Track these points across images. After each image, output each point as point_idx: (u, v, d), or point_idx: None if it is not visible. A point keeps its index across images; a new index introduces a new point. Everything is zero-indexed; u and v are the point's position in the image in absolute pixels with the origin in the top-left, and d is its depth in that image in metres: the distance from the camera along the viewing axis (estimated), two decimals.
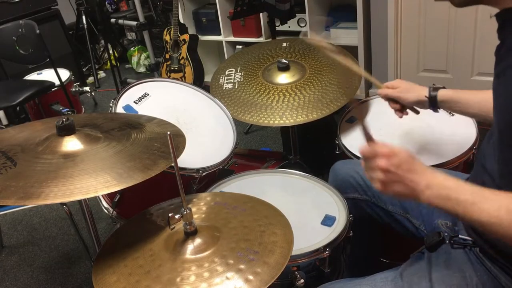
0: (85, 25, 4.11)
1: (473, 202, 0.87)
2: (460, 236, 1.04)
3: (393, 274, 1.09)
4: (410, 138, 1.62)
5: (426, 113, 1.71)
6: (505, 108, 0.90)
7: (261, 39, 3.49)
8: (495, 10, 0.93)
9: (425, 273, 1.05)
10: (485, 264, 0.99)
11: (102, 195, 1.64)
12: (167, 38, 3.47)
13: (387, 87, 1.44)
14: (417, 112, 1.44)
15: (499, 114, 0.93)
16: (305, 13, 3.20)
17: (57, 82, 2.97)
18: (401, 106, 1.43)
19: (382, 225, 1.38)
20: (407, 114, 1.44)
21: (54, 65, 2.91)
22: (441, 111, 1.70)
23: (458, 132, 1.58)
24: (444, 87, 1.35)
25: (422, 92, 1.36)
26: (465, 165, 1.52)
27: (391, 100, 1.44)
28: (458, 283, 1.01)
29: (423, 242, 1.08)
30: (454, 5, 0.99)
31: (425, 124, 1.64)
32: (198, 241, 1.02)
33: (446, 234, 1.06)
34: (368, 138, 1.02)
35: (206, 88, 1.90)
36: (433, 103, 1.35)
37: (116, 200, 1.57)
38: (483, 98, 1.25)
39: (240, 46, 3.64)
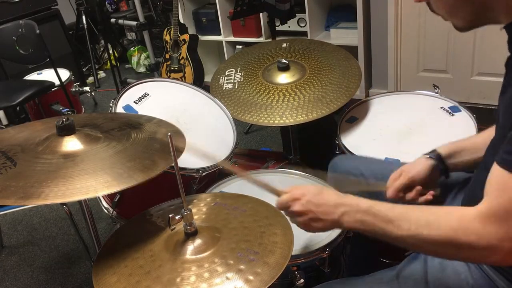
0: (85, 25, 4.11)
1: (390, 220, 0.89)
2: None
3: (389, 276, 1.09)
4: (409, 138, 1.62)
5: (426, 113, 1.72)
6: (503, 117, 0.90)
7: (261, 39, 3.49)
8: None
9: (421, 275, 1.05)
10: (481, 267, 0.99)
11: (102, 195, 1.64)
12: (167, 38, 3.47)
13: (393, 180, 1.24)
14: (439, 191, 1.22)
15: (506, 120, 0.91)
16: (305, 13, 3.20)
17: (57, 82, 2.97)
18: (415, 193, 1.21)
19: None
20: (432, 193, 1.20)
21: (54, 65, 2.91)
22: (441, 110, 1.71)
23: (458, 132, 1.58)
24: (439, 147, 1.22)
25: (424, 161, 1.21)
26: None
27: (407, 191, 1.23)
28: (454, 285, 1.01)
29: None
30: (457, 29, 0.96)
31: (424, 124, 1.64)
32: (198, 241, 1.02)
33: None
34: (273, 192, 1.07)
35: (206, 88, 1.90)
36: (441, 162, 1.20)
37: (116, 200, 1.57)
38: (485, 139, 1.11)
39: (240, 46, 3.64)
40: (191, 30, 3.74)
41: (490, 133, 1.17)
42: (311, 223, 1.00)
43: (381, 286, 1.07)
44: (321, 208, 0.98)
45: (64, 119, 1.19)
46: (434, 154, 1.22)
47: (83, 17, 4.12)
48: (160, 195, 1.34)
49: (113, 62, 3.63)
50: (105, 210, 1.66)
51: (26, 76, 3.34)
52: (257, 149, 2.87)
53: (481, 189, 1.03)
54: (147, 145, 1.22)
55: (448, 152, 1.21)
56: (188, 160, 1.48)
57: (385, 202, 0.92)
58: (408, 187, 1.21)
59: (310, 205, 1.00)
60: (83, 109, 3.62)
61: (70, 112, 1.91)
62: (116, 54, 3.94)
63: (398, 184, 1.22)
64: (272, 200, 1.21)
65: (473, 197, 1.06)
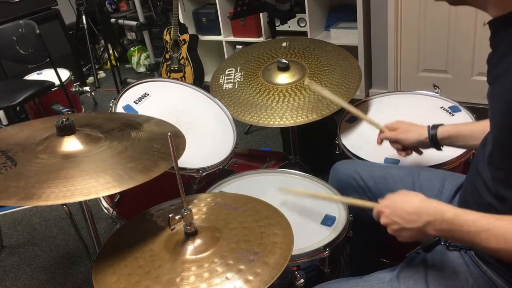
0: (85, 25, 4.11)
1: (477, 231, 0.89)
2: None
3: (389, 276, 1.09)
4: None
5: (426, 113, 1.72)
6: (496, 115, 0.91)
7: (261, 39, 3.49)
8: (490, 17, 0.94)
9: (421, 275, 1.05)
10: (481, 267, 1.00)
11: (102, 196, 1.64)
12: (167, 38, 3.47)
13: (387, 129, 1.40)
14: (420, 153, 1.40)
15: (491, 119, 0.94)
16: (305, 13, 3.20)
17: (57, 82, 2.97)
18: (403, 146, 1.39)
19: (382, 226, 1.38)
20: (411, 153, 1.39)
21: (54, 65, 2.91)
22: (441, 110, 1.71)
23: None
24: (442, 124, 1.31)
25: (422, 132, 1.32)
26: (465, 165, 1.52)
27: (392, 141, 1.40)
28: (453, 285, 1.01)
29: (419, 242, 1.09)
30: (448, 2, 0.99)
31: (425, 124, 1.63)
32: (198, 241, 1.02)
33: None
34: (366, 205, 1.13)
35: (206, 88, 1.90)
36: (434, 142, 1.31)
37: (116, 200, 1.57)
38: (483, 129, 1.19)
39: (240, 46, 3.64)
40: (191, 30, 3.74)
41: (483, 125, 1.22)
42: (398, 233, 1.01)
43: (381, 286, 1.07)
44: (404, 218, 0.99)
45: (64, 119, 1.19)
46: (432, 134, 1.30)
47: (83, 17, 4.12)
48: (160, 195, 1.34)
49: (113, 62, 3.63)
50: (105, 210, 1.66)
51: (26, 76, 3.34)
52: (257, 149, 2.86)
53: (471, 193, 1.04)
54: (147, 146, 1.22)
55: (446, 135, 1.29)
56: (188, 160, 1.48)
57: (472, 212, 0.92)
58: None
59: (393, 216, 1.01)
60: (83, 109, 3.62)
61: (70, 112, 1.91)
62: (116, 54, 3.94)
63: (384, 137, 1.40)
64: (272, 200, 1.21)
65: (464, 202, 1.07)
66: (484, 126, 1.19)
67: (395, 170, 1.39)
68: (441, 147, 1.33)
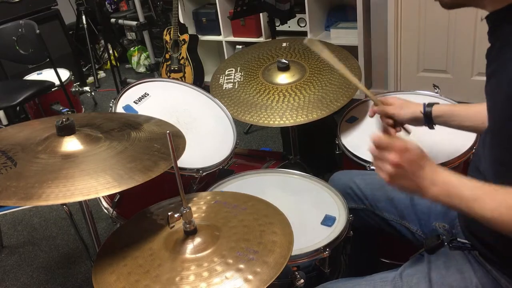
0: (85, 25, 4.11)
1: (475, 198, 0.88)
2: (458, 239, 1.04)
3: (392, 275, 1.09)
4: (409, 138, 1.62)
5: None
6: (495, 109, 0.91)
7: (261, 39, 3.49)
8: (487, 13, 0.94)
9: (425, 274, 1.05)
10: (485, 266, 1.00)
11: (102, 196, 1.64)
12: (167, 38, 3.47)
13: (382, 103, 1.41)
14: (409, 133, 1.42)
15: (490, 114, 0.94)
16: (305, 13, 3.20)
17: (57, 82, 2.97)
18: (394, 123, 1.40)
19: (381, 232, 1.38)
20: (399, 131, 1.41)
21: (54, 65, 2.91)
22: None
23: (458, 132, 1.58)
24: (438, 103, 1.33)
25: (417, 108, 1.34)
26: (465, 165, 1.52)
27: (384, 116, 1.41)
28: (457, 284, 1.01)
29: (422, 245, 1.09)
30: (442, 6, 0.99)
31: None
32: (197, 240, 1.02)
33: (444, 237, 1.06)
34: (385, 130, 1.04)
35: (206, 88, 1.90)
36: (428, 119, 1.33)
37: (116, 200, 1.57)
38: (478, 111, 1.23)
39: (240, 46, 3.64)
40: (191, 30, 3.74)
41: (479, 108, 1.22)
42: (399, 178, 0.96)
43: (384, 285, 1.07)
44: (418, 171, 0.94)
45: (64, 119, 1.19)
46: (428, 111, 1.31)
47: (83, 17, 4.12)
48: (160, 195, 1.34)
49: (113, 62, 3.63)
50: (105, 210, 1.66)
51: (26, 76, 3.34)
52: (257, 149, 2.87)
53: None
54: (147, 146, 1.22)
55: (440, 113, 1.31)
56: (188, 160, 1.48)
57: (474, 180, 0.91)
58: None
59: (411, 164, 0.95)
60: (83, 109, 3.63)
61: (70, 112, 1.91)
62: (116, 54, 3.94)
63: (378, 110, 1.41)
64: (272, 200, 1.21)
65: None
66: (479, 109, 1.22)
67: None
68: (433, 125, 1.34)
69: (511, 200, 0.85)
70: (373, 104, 1.44)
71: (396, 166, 0.95)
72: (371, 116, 1.46)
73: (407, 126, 1.42)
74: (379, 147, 0.99)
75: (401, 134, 1.41)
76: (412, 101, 1.38)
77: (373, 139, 1.00)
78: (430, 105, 1.32)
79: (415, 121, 1.36)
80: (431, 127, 1.35)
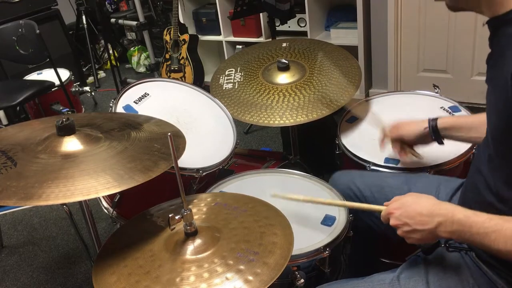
0: (85, 25, 4.11)
1: (486, 233, 0.89)
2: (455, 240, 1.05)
3: (390, 276, 1.09)
4: None
5: (426, 113, 1.71)
6: (492, 114, 0.92)
7: (261, 39, 3.49)
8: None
9: (422, 276, 1.05)
10: (481, 268, 1.00)
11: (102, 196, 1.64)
12: (167, 38, 3.47)
13: (388, 131, 1.42)
14: (418, 156, 1.42)
15: (488, 119, 0.94)
16: (305, 13, 3.20)
17: (57, 82, 2.97)
18: (401, 146, 1.41)
19: (380, 233, 1.38)
20: (405, 156, 1.42)
21: (54, 65, 2.91)
22: (441, 110, 1.71)
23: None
24: (441, 117, 1.33)
25: (422, 125, 1.34)
26: (465, 165, 1.52)
27: (393, 141, 1.42)
28: (454, 286, 1.01)
29: (420, 245, 1.09)
30: (448, 8, 1.00)
31: None
32: (198, 241, 1.02)
33: None
34: (373, 209, 1.13)
35: (206, 88, 1.90)
36: (435, 133, 1.32)
37: (116, 200, 1.57)
38: (483, 121, 1.23)
39: (240, 46, 3.64)
40: (191, 30, 3.74)
41: (484, 118, 1.21)
42: (408, 235, 1.00)
43: (382, 287, 1.07)
44: (415, 220, 0.98)
45: (64, 119, 1.19)
46: (433, 124, 1.32)
47: (83, 17, 4.12)
48: (160, 195, 1.34)
49: (113, 62, 3.63)
50: (105, 210, 1.66)
51: (26, 76, 3.34)
52: (257, 149, 2.86)
53: (472, 192, 1.04)
54: (147, 146, 1.22)
55: (447, 126, 1.31)
56: (188, 160, 1.48)
57: (482, 213, 0.92)
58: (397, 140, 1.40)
59: (403, 218, 1.00)
60: (83, 109, 3.62)
61: (70, 112, 1.91)
62: (116, 54, 3.94)
63: (386, 137, 1.42)
64: (272, 200, 1.21)
65: (465, 201, 1.07)
66: (483, 119, 1.21)
67: (391, 179, 1.40)
68: (442, 140, 1.34)
69: None
70: (382, 135, 1.46)
71: (397, 227, 1.02)
72: (382, 147, 1.47)
73: (417, 150, 1.42)
74: (385, 221, 1.06)
75: (413, 158, 1.41)
76: (416, 120, 1.38)
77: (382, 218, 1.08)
78: (435, 119, 1.33)
79: (422, 138, 1.36)
80: (440, 142, 1.34)
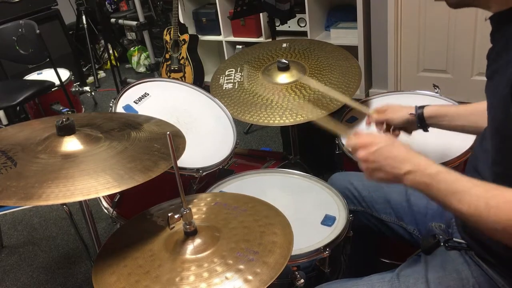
0: (85, 25, 4.11)
1: (453, 192, 0.88)
2: (454, 239, 1.04)
3: (390, 275, 1.09)
4: (409, 138, 1.62)
5: None
6: (493, 109, 0.92)
7: (261, 39, 3.49)
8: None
9: (422, 274, 1.05)
10: (482, 266, 1.00)
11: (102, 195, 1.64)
12: (167, 38, 3.47)
13: (376, 112, 1.43)
14: (410, 132, 1.42)
15: (489, 114, 0.94)
16: (305, 13, 3.20)
17: (57, 82, 2.97)
18: (387, 128, 1.41)
19: (379, 234, 1.39)
20: (399, 133, 1.42)
21: (54, 65, 2.91)
22: None
23: (458, 132, 1.58)
24: (429, 105, 1.34)
25: (409, 111, 1.36)
26: (465, 165, 1.52)
27: (378, 123, 1.43)
28: (454, 284, 1.01)
29: (420, 245, 1.09)
30: (448, 5, 1.00)
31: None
32: (198, 241, 1.02)
33: (441, 237, 1.06)
34: (341, 132, 1.08)
35: (206, 88, 1.90)
36: (421, 120, 1.34)
37: (116, 200, 1.57)
38: (470, 111, 1.24)
39: (240, 46, 3.64)
40: (191, 30, 3.74)
41: (475, 106, 1.24)
42: (373, 171, 0.99)
43: (382, 285, 1.07)
44: (388, 161, 0.97)
45: (64, 119, 1.19)
46: (419, 112, 1.33)
47: (83, 17, 4.12)
48: (160, 195, 1.34)
49: (113, 62, 3.63)
50: (105, 210, 1.66)
51: (26, 76, 3.34)
52: (257, 149, 2.87)
53: None
54: (147, 146, 1.22)
55: (432, 114, 1.32)
56: (188, 160, 1.48)
57: (454, 171, 0.91)
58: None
59: (377, 155, 0.98)
60: (83, 109, 3.63)
61: (70, 112, 1.92)
62: (116, 54, 3.94)
63: (373, 119, 1.42)
64: (272, 200, 1.21)
65: None
66: (471, 109, 1.24)
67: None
68: (427, 128, 1.35)
69: (489, 200, 0.84)
70: (367, 115, 1.46)
71: (365, 161, 1.00)
72: (368, 125, 1.47)
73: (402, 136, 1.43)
74: (351, 150, 1.05)
75: (402, 136, 1.41)
76: (405, 106, 1.39)
77: (346, 144, 1.03)
78: (422, 107, 1.34)
79: (409, 124, 1.37)
80: (425, 129, 1.36)
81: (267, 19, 2.71)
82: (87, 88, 3.44)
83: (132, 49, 4.48)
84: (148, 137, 1.27)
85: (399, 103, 1.81)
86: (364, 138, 1.03)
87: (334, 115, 1.76)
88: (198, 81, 3.46)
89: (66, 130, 1.19)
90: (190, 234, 1.03)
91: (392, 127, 1.41)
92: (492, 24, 0.94)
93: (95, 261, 1.06)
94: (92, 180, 1.05)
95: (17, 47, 2.82)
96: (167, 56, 3.51)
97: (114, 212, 1.61)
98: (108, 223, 2.34)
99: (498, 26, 0.92)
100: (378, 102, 1.85)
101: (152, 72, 4.11)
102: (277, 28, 2.77)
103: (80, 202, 1.34)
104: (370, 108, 1.47)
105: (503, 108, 0.87)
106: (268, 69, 1.90)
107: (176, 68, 3.47)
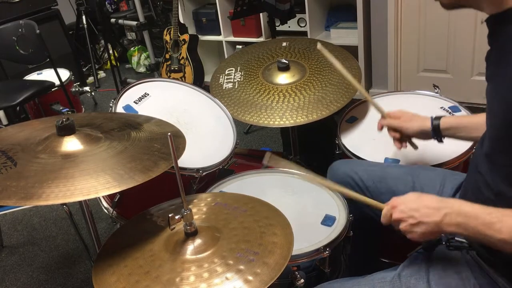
0: (85, 25, 4.11)
1: (491, 222, 0.89)
2: (456, 238, 1.04)
3: (391, 275, 1.09)
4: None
5: (426, 113, 1.71)
6: (493, 112, 0.92)
7: (261, 39, 3.49)
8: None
9: (423, 274, 1.05)
10: (483, 266, 1.00)
11: (102, 195, 1.64)
12: (167, 38, 3.47)
13: (389, 117, 1.41)
14: (416, 148, 1.42)
15: (488, 116, 0.94)
16: (305, 13, 3.20)
17: (57, 82, 2.97)
18: (400, 137, 1.40)
19: (381, 225, 1.38)
20: (406, 146, 1.41)
21: (54, 65, 2.91)
22: (441, 110, 1.71)
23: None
24: (445, 116, 1.33)
25: (424, 122, 1.34)
26: (465, 165, 1.52)
27: (391, 129, 1.41)
28: (455, 284, 1.01)
29: (420, 243, 1.09)
30: (442, 6, 0.99)
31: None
32: (198, 241, 1.02)
33: (442, 235, 1.06)
34: (375, 206, 1.11)
35: (206, 88, 1.90)
36: (436, 132, 1.32)
37: (116, 200, 1.57)
38: (484, 120, 1.24)
39: (240, 46, 3.64)
40: (191, 30, 3.74)
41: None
42: (412, 228, 0.99)
43: (383, 285, 1.07)
44: (421, 211, 0.97)
45: (64, 119, 1.19)
46: (435, 124, 1.31)
47: (83, 17, 4.12)
48: (160, 195, 1.34)
49: (113, 62, 3.63)
50: (105, 210, 1.66)
51: (26, 76, 3.33)
52: (257, 149, 2.86)
53: (472, 190, 1.04)
54: (147, 146, 1.22)
55: (449, 126, 1.31)
56: (188, 160, 1.48)
57: (486, 206, 0.92)
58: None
59: (408, 210, 0.99)
60: (83, 109, 3.62)
61: (70, 112, 1.91)
62: (116, 54, 3.94)
63: (386, 123, 1.41)
64: (272, 200, 1.21)
65: (466, 200, 1.07)
66: (484, 118, 1.22)
67: (394, 169, 1.39)
68: (442, 139, 1.34)
69: None
70: (381, 117, 1.44)
71: (401, 220, 1.00)
72: (380, 130, 1.45)
73: (414, 140, 1.42)
74: (386, 221, 1.06)
75: (414, 154, 1.41)
76: (420, 115, 1.38)
77: (382, 221, 1.07)
78: (438, 118, 1.32)
79: (423, 135, 1.36)
80: (439, 140, 1.34)
81: (267, 19, 2.71)
82: (87, 88, 3.44)
83: (132, 49, 4.48)
84: (148, 137, 1.27)
85: (399, 103, 1.83)
86: (392, 201, 1.04)
87: (335, 115, 1.76)
88: (198, 81, 3.46)
89: (66, 130, 1.19)
90: (191, 234, 1.03)
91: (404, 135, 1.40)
92: (488, 27, 0.94)
93: (95, 261, 1.06)
94: (92, 180, 1.05)
95: (17, 47, 2.82)
96: (167, 56, 3.51)
97: (114, 212, 1.60)
98: (108, 223, 2.34)
99: (494, 29, 0.92)
100: (378, 102, 1.84)
101: (152, 72, 4.11)
102: (277, 28, 2.77)
103: (80, 202, 1.34)
104: (384, 109, 1.44)
105: (503, 110, 0.87)
106: (268, 68, 1.90)
107: (176, 68, 3.47)
